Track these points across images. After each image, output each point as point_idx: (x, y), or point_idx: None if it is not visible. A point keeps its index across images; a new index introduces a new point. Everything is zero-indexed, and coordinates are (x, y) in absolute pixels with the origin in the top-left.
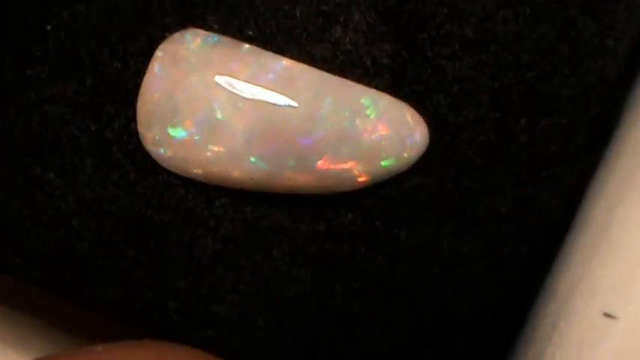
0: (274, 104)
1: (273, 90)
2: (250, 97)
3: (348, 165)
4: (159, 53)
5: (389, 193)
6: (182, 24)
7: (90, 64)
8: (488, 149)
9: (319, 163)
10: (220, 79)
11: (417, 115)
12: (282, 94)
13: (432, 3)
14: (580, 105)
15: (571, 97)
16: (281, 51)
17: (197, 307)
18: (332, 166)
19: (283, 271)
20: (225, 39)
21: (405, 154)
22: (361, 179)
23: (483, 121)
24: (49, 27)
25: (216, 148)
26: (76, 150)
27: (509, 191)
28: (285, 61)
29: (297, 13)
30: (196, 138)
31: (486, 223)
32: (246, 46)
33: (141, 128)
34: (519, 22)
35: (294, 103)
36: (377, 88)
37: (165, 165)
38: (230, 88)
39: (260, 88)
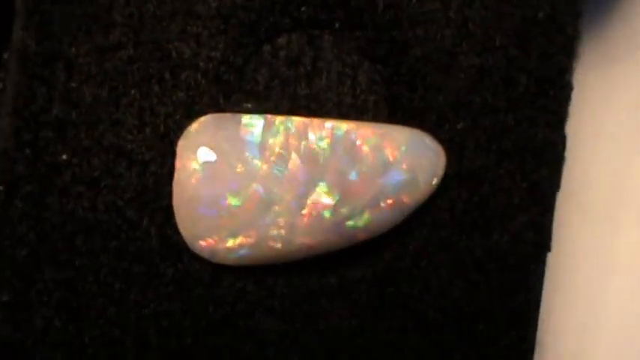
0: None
1: (298, 154)
2: (283, 167)
3: (395, 198)
4: (181, 146)
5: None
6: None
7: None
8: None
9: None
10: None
11: (433, 140)
12: (308, 158)
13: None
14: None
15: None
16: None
17: None
18: (382, 206)
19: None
20: (247, 116)
21: (435, 180)
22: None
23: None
24: (64, 157)
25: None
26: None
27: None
28: (303, 121)
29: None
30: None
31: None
32: (268, 117)
33: (182, 230)
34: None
35: (323, 158)
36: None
37: (210, 257)
38: (272, 161)
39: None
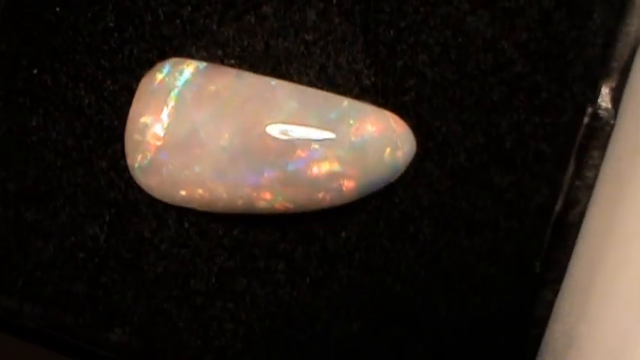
0: (256, 118)
1: (255, 105)
2: (232, 113)
3: (336, 168)
4: (141, 85)
5: (381, 205)
6: (162, 56)
7: (75, 105)
8: (476, 152)
9: (308, 171)
10: (201, 102)
11: (401, 122)
12: (264, 108)
13: (406, 13)
14: (564, 100)
15: (555, 93)
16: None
17: (197, 342)
18: (320, 172)
19: (281, 296)
20: (206, 65)
21: (392, 161)
22: (349, 185)
23: (469, 123)
24: (35, 71)
25: (199, 169)
26: (67, 192)
27: (504, 193)
28: (266, 79)
29: (278, 42)
30: (180, 160)
31: (484, 228)
32: (227, 68)
33: (128, 159)
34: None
35: (276, 116)
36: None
37: (154, 193)
38: (212, 108)
39: (242, 105)
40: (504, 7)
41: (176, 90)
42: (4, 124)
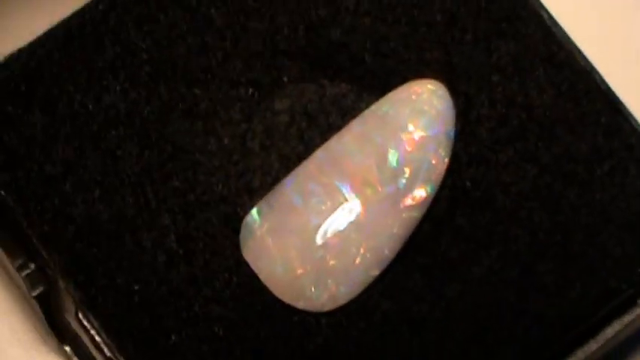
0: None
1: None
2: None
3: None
4: (246, 251)
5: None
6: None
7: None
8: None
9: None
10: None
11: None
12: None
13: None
14: None
15: None
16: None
17: None
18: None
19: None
20: (265, 199)
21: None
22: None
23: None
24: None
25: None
26: None
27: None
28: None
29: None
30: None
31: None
32: (276, 188)
33: (300, 304)
34: None
35: (359, 159)
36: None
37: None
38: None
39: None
40: None
41: (267, 225)
42: None
